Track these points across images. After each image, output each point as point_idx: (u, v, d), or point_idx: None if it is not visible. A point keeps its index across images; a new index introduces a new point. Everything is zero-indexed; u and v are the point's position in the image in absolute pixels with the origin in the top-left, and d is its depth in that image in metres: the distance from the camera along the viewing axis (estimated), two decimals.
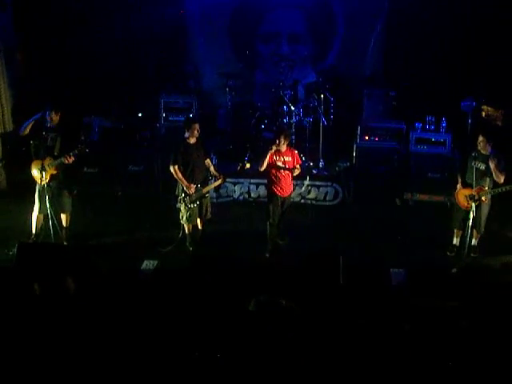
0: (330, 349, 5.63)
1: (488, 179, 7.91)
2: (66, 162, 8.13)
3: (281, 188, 8.39)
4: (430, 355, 5.57)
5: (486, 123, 10.44)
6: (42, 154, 8.12)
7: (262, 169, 8.30)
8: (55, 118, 8.27)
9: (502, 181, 7.86)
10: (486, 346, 5.65)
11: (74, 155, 8.13)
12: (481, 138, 8.00)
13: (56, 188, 8.35)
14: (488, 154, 7.92)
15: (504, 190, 7.85)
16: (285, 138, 8.25)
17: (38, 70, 11.57)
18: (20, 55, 11.67)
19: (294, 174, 8.47)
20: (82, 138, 10.04)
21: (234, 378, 5.22)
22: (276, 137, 8.28)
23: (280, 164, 8.30)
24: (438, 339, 5.77)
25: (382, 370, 5.40)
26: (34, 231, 8.53)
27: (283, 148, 8.27)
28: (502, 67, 10.56)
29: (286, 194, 8.49)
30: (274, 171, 8.32)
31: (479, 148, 7.97)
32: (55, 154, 8.20)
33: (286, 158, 8.33)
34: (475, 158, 7.93)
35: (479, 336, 5.82)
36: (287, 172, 8.36)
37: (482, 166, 7.92)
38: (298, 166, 8.43)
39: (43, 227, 8.47)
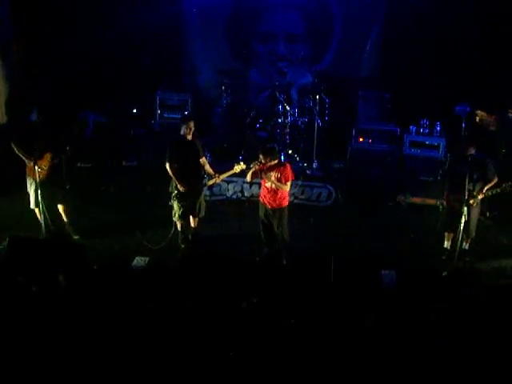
0: (322, 347, 5.65)
1: (476, 183, 7.89)
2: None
3: (265, 198, 8.12)
4: (419, 355, 5.60)
5: (480, 128, 10.45)
6: (35, 151, 8.16)
7: (248, 181, 8.26)
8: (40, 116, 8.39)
9: (494, 182, 7.91)
10: (476, 349, 5.69)
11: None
12: (464, 143, 8.05)
13: (49, 182, 8.33)
14: (473, 157, 7.86)
15: (494, 193, 7.86)
16: (264, 156, 7.85)
17: (34, 64, 11.51)
18: (16, 48, 11.60)
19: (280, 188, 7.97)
20: (76, 133, 10.02)
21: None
22: (258, 154, 7.98)
23: (265, 178, 7.99)
24: (426, 341, 5.80)
25: (371, 368, 5.43)
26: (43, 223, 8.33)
27: (271, 163, 7.90)
28: (497, 73, 10.60)
29: (269, 207, 8.10)
30: (263, 181, 8.15)
31: (467, 153, 7.92)
32: (41, 151, 8.25)
33: (274, 174, 7.91)
34: (463, 163, 7.88)
35: (469, 339, 5.85)
36: (272, 187, 8.01)
37: (470, 171, 7.81)
38: (283, 184, 7.94)
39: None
